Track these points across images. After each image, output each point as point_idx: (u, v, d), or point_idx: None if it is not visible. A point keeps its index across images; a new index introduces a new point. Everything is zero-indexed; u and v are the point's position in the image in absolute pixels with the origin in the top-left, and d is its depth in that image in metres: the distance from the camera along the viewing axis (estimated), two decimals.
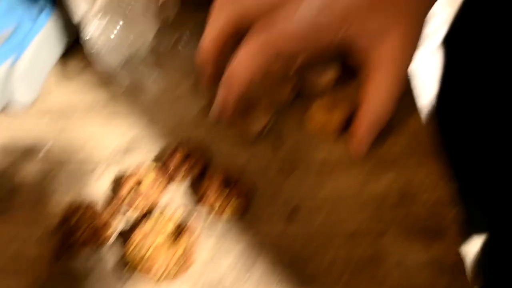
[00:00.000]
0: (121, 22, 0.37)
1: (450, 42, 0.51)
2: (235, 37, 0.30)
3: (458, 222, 0.30)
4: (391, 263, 0.29)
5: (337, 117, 0.34)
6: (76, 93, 0.39)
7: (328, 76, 0.36)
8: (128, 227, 0.31)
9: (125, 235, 0.30)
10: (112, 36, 0.36)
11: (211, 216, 0.31)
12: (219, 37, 0.30)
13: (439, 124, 0.51)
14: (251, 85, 0.29)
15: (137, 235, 0.28)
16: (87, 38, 0.36)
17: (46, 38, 0.39)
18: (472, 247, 0.50)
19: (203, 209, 0.32)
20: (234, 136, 0.36)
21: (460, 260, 0.29)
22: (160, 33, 0.40)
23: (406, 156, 0.34)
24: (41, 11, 0.39)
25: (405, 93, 0.37)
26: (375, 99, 0.31)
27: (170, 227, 0.29)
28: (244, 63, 0.28)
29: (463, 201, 0.34)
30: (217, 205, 0.31)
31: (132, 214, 0.31)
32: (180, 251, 0.28)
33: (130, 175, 0.32)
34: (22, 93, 0.38)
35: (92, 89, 0.40)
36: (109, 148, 0.35)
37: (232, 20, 0.29)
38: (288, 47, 0.28)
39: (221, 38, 0.30)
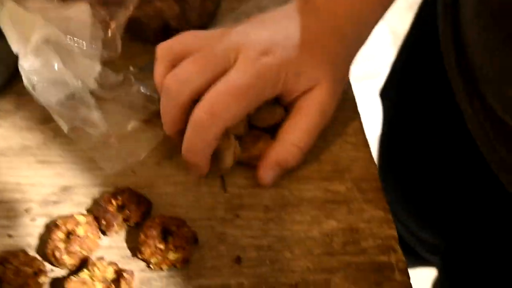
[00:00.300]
0: (59, 60, 0.35)
1: (387, 95, 0.54)
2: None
3: (402, 266, 0.30)
4: None
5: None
6: (5, 137, 0.37)
7: (277, 111, 0.36)
8: (59, 279, 0.28)
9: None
10: (50, 74, 0.34)
11: (150, 269, 0.29)
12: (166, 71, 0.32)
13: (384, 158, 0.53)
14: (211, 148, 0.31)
15: None
16: (23, 75, 0.34)
17: None
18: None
19: (140, 263, 0.30)
20: (178, 181, 0.34)
21: None
22: (104, 71, 0.38)
23: (350, 201, 0.34)
24: None
25: (351, 138, 0.38)
26: (289, 135, 0.33)
27: (101, 285, 0.27)
28: (198, 137, 0.30)
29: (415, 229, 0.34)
30: (154, 259, 0.29)
31: (64, 266, 0.29)
32: None
33: (58, 227, 0.29)
34: None
35: (23, 133, 0.37)
36: (35, 200, 0.33)
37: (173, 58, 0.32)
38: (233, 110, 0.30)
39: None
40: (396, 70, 0.53)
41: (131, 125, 0.38)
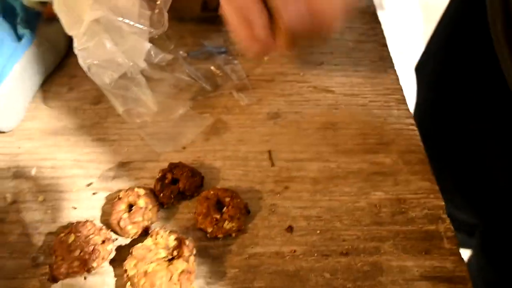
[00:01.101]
0: (110, 39, 0.36)
1: (422, 71, 0.54)
2: None
3: (450, 234, 0.31)
4: (388, 276, 0.29)
5: None
6: (59, 119, 0.39)
7: None
8: (123, 246, 0.30)
9: (121, 256, 0.30)
10: (103, 54, 0.36)
11: (206, 238, 0.31)
12: None
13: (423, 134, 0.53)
14: None
15: (133, 258, 0.28)
16: (79, 56, 0.35)
17: (27, 64, 0.39)
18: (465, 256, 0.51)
19: (196, 232, 0.31)
20: (227, 156, 0.36)
21: (455, 269, 0.29)
22: (154, 50, 0.39)
23: (397, 173, 0.34)
24: (21, 37, 0.39)
25: (394, 111, 0.39)
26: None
27: (164, 251, 0.29)
28: None
29: (451, 210, 0.34)
30: (210, 228, 0.30)
31: (127, 235, 0.31)
32: (176, 276, 0.27)
33: (121, 199, 0.31)
34: (4, 119, 0.37)
35: (77, 113, 0.39)
36: (95, 176, 0.35)
37: None
38: None
39: None
40: (435, 43, 0.52)
41: (180, 108, 0.39)
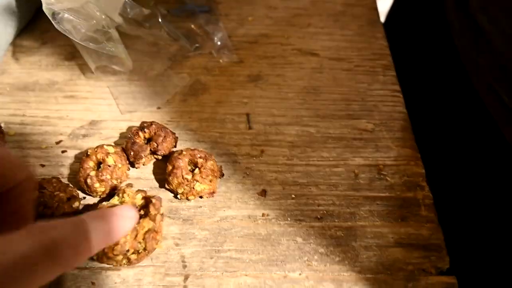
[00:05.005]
0: None
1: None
2: None
3: (428, 202, 0.30)
4: (362, 242, 0.28)
5: None
6: (30, 74, 0.37)
7: None
8: (91, 205, 0.29)
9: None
10: (72, 2, 0.33)
11: (177, 200, 0.30)
12: None
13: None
14: None
15: None
16: (43, 2, 0.33)
17: (0, 15, 0.37)
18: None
19: (167, 193, 0.30)
20: (203, 118, 0.34)
21: (431, 237, 0.28)
22: (130, 5, 0.37)
23: (378, 139, 0.33)
24: None
25: (380, 76, 0.37)
26: None
27: (135, 205, 0.27)
28: None
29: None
30: (181, 189, 0.29)
31: (95, 193, 0.30)
32: (141, 234, 0.26)
33: (89, 156, 0.30)
34: None
35: (49, 69, 0.37)
36: (65, 133, 0.33)
37: None
38: None
39: None
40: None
41: (157, 67, 0.37)
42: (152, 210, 0.27)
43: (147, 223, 0.26)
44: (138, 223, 0.26)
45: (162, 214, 0.28)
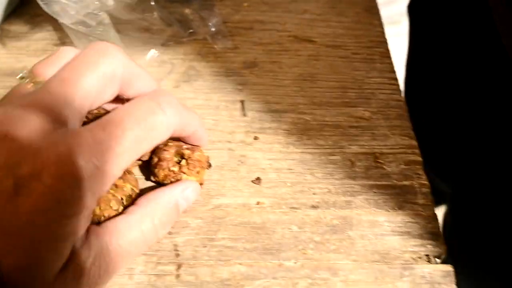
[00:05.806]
0: None
1: (414, 10, 0.51)
2: None
3: (425, 190, 0.30)
4: (358, 231, 0.28)
5: None
6: (18, 59, 0.36)
7: None
8: None
9: None
10: None
11: None
12: None
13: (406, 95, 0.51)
14: None
15: None
16: None
17: None
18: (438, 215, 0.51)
19: (154, 186, 0.29)
20: (197, 104, 0.34)
21: (427, 225, 0.28)
22: None
23: (374, 127, 0.33)
24: None
25: (377, 64, 0.37)
26: None
27: (117, 204, 0.27)
28: None
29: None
30: (167, 181, 0.28)
31: None
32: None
33: None
34: None
35: (38, 54, 0.36)
36: None
37: None
38: None
39: None
40: None
41: (150, 53, 0.37)
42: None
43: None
44: None
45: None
